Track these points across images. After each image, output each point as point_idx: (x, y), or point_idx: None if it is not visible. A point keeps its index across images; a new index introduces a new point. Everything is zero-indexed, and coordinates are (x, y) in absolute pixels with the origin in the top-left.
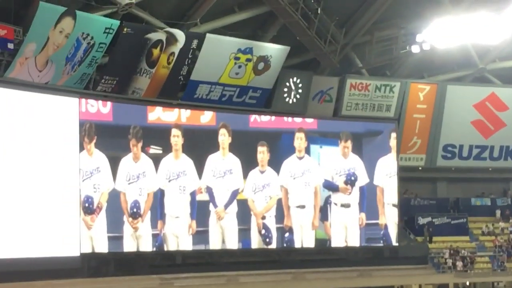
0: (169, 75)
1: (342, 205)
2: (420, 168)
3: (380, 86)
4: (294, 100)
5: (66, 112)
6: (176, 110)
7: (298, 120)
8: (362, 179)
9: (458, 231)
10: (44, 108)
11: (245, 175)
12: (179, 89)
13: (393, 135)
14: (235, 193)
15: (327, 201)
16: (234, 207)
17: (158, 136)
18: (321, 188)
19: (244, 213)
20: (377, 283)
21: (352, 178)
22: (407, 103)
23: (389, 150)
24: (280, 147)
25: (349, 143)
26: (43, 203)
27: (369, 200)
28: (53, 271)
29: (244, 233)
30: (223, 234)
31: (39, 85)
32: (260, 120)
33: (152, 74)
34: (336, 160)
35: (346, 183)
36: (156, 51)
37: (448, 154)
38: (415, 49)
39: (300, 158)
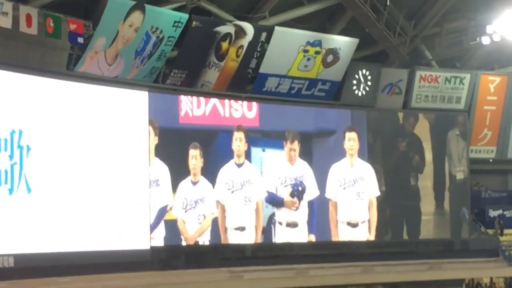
0: (238, 68)
1: (288, 225)
2: (490, 160)
3: (450, 78)
4: (363, 92)
5: (135, 106)
6: None
7: (237, 115)
8: (312, 192)
9: None
10: (114, 102)
11: (174, 188)
12: (248, 82)
13: (348, 135)
14: (162, 212)
15: (270, 221)
16: (161, 230)
17: None
18: (264, 204)
19: (173, 237)
20: (448, 276)
21: (299, 189)
22: (477, 95)
23: (343, 154)
24: (216, 150)
25: (296, 145)
26: (113, 196)
27: (319, 217)
28: (124, 264)
29: None
30: None
31: (109, 78)
32: (193, 115)
33: (221, 67)
34: (281, 166)
35: (292, 195)
36: (225, 44)
37: None
38: (485, 40)
39: (240, 165)
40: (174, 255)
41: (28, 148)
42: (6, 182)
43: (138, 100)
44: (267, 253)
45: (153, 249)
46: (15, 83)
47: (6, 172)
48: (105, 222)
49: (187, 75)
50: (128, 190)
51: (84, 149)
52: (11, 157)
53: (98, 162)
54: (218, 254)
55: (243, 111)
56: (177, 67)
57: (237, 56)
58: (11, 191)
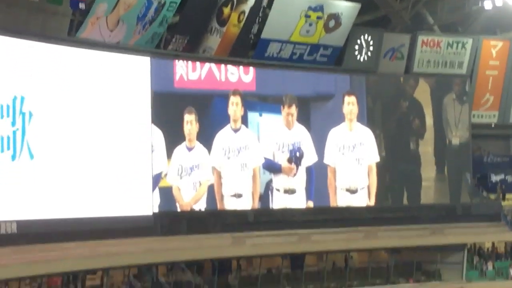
0: (239, 33)
1: (286, 191)
2: (492, 125)
3: (452, 42)
4: (365, 58)
5: (137, 71)
6: None
7: (233, 79)
8: (310, 157)
9: None
10: (116, 67)
11: (168, 154)
12: (249, 47)
13: (348, 99)
14: (157, 178)
15: (268, 187)
16: (155, 197)
17: None
18: (261, 170)
19: (168, 205)
20: (450, 241)
21: (297, 155)
22: (479, 60)
23: (342, 119)
24: (212, 115)
25: (293, 109)
26: (116, 163)
27: (318, 184)
28: (126, 230)
29: None
30: None
31: (110, 44)
32: (188, 79)
33: (222, 33)
34: (278, 131)
35: (289, 160)
36: (226, 10)
37: None
38: (487, 5)
39: (236, 130)
40: (177, 221)
41: (31, 114)
42: (8, 148)
43: (140, 66)
44: (269, 218)
45: (156, 215)
46: (17, 49)
47: (8, 138)
48: (107, 188)
49: (189, 40)
50: (130, 156)
51: (86, 115)
52: (13, 123)
53: (100, 128)
54: (220, 220)
55: (239, 75)
56: (178, 32)
57: (239, 21)
58: (13, 157)
